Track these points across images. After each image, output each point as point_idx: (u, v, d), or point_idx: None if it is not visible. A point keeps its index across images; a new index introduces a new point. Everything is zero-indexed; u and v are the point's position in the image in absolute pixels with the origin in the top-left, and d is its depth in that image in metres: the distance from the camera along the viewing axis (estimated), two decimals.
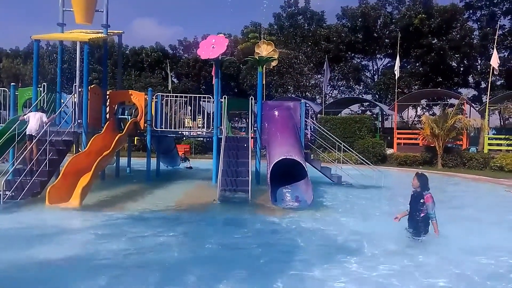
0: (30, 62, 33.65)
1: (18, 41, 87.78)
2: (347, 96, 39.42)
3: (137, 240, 6.30)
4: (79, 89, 11.37)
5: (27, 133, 10.15)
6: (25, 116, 10.45)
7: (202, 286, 4.55)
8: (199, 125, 15.27)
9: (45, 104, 11.79)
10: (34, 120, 10.19)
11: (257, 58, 13.14)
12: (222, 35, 14.33)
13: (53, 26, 12.35)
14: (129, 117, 12.93)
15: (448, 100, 30.66)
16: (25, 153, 9.87)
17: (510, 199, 11.95)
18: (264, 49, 13.39)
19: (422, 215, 6.11)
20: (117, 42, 15.50)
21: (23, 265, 5.09)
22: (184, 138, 24.42)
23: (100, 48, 25.96)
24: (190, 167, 18.68)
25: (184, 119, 14.84)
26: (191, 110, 15.08)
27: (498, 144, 23.26)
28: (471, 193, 13.42)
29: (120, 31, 14.02)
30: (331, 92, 41.56)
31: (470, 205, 10.51)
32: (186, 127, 14.95)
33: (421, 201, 6.11)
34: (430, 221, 6.09)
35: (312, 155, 15.14)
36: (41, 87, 12.03)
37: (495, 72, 24.57)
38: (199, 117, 16.69)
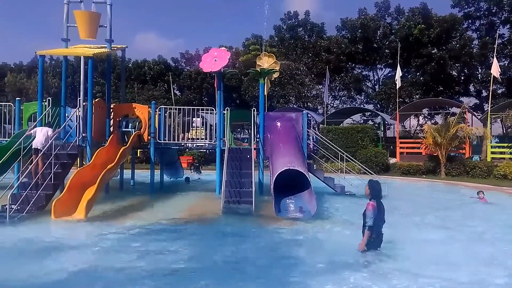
0: (34, 77, 33.98)
1: (21, 55, 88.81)
2: (348, 106, 39.59)
3: (142, 253, 6.32)
4: (84, 103, 11.50)
5: (33, 146, 10.24)
6: (32, 131, 10.55)
7: None
8: (197, 136, 15.30)
9: (50, 118, 11.91)
10: (41, 135, 10.30)
11: (259, 70, 13.29)
12: (224, 48, 14.51)
13: (55, 41, 12.57)
14: (133, 130, 13.04)
15: (449, 109, 30.74)
16: (30, 167, 9.95)
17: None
18: (266, 61, 13.50)
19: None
20: (120, 56, 15.67)
21: (29, 278, 5.13)
22: (187, 150, 24.49)
23: (103, 62, 26.28)
24: (188, 178, 17.96)
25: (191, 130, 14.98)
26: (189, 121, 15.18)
27: (501, 153, 23.23)
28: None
29: (124, 46, 14.20)
30: (333, 102, 41.76)
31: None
32: (189, 138, 15.05)
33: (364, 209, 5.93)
34: (365, 230, 5.83)
35: (315, 165, 15.18)
36: (45, 101, 12.18)
37: (499, 80, 24.51)
38: (202, 128, 16.78)
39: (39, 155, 9.88)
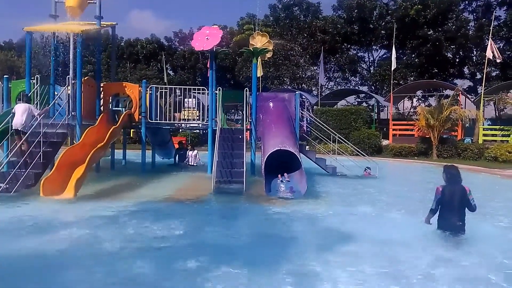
0: (24, 55, 33.37)
1: (12, 33, 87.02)
2: (343, 87, 39.46)
3: (132, 232, 6.32)
4: (73, 81, 11.31)
5: (13, 127, 9.68)
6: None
7: (198, 276, 4.59)
8: (189, 117, 15.16)
9: (39, 96, 11.70)
10: (19, 113, 9.64)
11: (252, 49, 13.11)
12: (217, 26, 14.26)
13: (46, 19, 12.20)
14: (123, 109, 12.90)
15: (443, 91, 30.73)
16: (16, 148, 9.73)
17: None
18: (259, 41, 13.32)
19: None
20: (111, 34, 15.37)
21: (17, 256, 5.11)
22: (180, 130, 24.37)
23: (95, 40, 25.72)
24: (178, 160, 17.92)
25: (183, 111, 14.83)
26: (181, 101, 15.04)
27: (493, 135, 23.39)
28: None
29: (113, 23, 13.91)
30: (327, 83, 41.57)
31: None
32: (181, 119, 14.92)
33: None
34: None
35: (308, 147, 15.20)
36: (34, 79, 11.95)
37: (498, 60, 24.05)
38: (195, 108, 16.64)
39: (23, 138, 9.45)
